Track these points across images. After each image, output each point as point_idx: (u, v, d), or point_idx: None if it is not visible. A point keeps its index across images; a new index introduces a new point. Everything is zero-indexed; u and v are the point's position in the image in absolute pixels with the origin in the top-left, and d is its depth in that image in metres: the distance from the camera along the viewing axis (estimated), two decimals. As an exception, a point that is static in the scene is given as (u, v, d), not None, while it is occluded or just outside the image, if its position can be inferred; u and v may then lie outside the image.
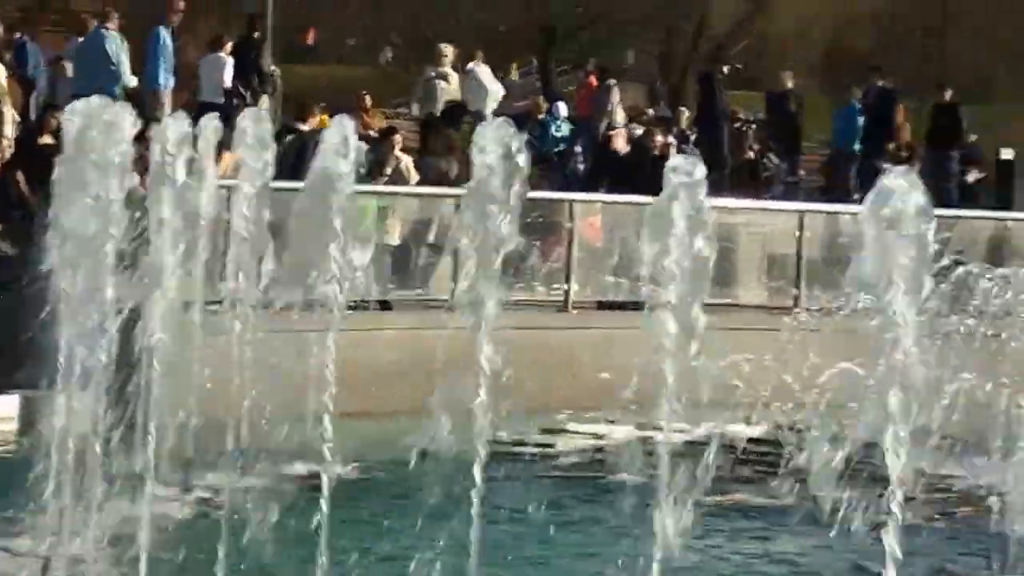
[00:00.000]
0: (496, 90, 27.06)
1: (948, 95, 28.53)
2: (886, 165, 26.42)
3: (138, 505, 10.00)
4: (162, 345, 10.33)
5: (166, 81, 23.72)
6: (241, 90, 24.31)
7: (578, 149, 26.97)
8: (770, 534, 13.02)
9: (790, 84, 29.15)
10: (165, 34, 23.76)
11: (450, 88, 25.92)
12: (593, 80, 29.39)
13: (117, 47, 23.25)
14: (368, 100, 26.85)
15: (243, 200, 10.46)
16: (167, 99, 23.45)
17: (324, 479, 9.00)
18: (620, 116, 27.05)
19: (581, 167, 26.11)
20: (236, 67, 24.64)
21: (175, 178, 10.53)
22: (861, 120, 27.54)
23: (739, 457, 15.15)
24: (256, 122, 10.53)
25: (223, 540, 9.12)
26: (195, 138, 11.46)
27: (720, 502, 12.87)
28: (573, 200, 20.36)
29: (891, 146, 26.37)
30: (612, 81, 28.81)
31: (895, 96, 28.84)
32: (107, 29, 23.82)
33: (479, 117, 23.63)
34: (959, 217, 20.70)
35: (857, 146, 27.58)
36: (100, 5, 28.61)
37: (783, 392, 14.81)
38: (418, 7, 41.71)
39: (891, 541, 5.85)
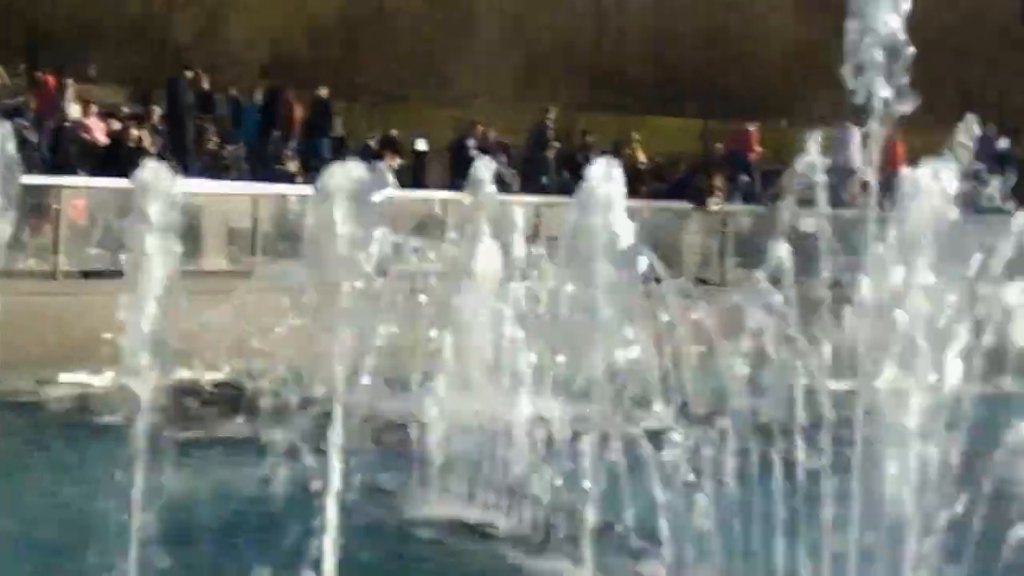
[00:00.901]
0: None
1: (323, 92, 30.16)
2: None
3: None
4: None
5: None
6: None
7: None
8: (229, 463, 12.90)
9: (206, 86, 30.12)
10: None
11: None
12: (50, 80, 28.89)
13: None
14: None
15: None
16: None
17: None
18: (75, 111, 26.77)
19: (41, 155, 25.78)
20: None
21: None
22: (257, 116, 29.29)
23: (204, 399, 15.36)
24: None
25: None
26: None
27: (188, 437, 12.81)
28: (62, 185, 20.31)
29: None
30: (69, 81, 28.85)
31: (287, 97, 30.20)
32: None
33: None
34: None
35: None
36: None
37: (244, 343, 14.97)
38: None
39: (332, 463, 6.09)
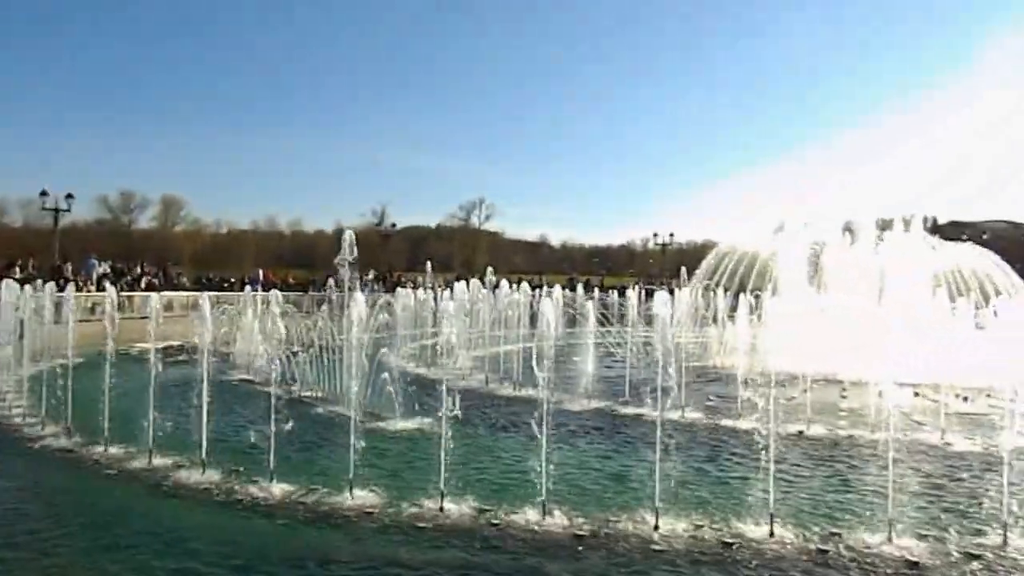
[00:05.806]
0: None
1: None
2: None
3: None
4: None
5: None
6: None
7: None
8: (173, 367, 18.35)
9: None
10: None
11: None
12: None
13: None
14: None
15: None
16: None
17: None
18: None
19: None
20: None
21: None
22: None
23: (173, 350, 21.53)
24: None
25: None
26: None
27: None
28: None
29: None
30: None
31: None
32: None
33: None
34: None
35: None
36: None
37: (189, 334, 20.00)
38: None
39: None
